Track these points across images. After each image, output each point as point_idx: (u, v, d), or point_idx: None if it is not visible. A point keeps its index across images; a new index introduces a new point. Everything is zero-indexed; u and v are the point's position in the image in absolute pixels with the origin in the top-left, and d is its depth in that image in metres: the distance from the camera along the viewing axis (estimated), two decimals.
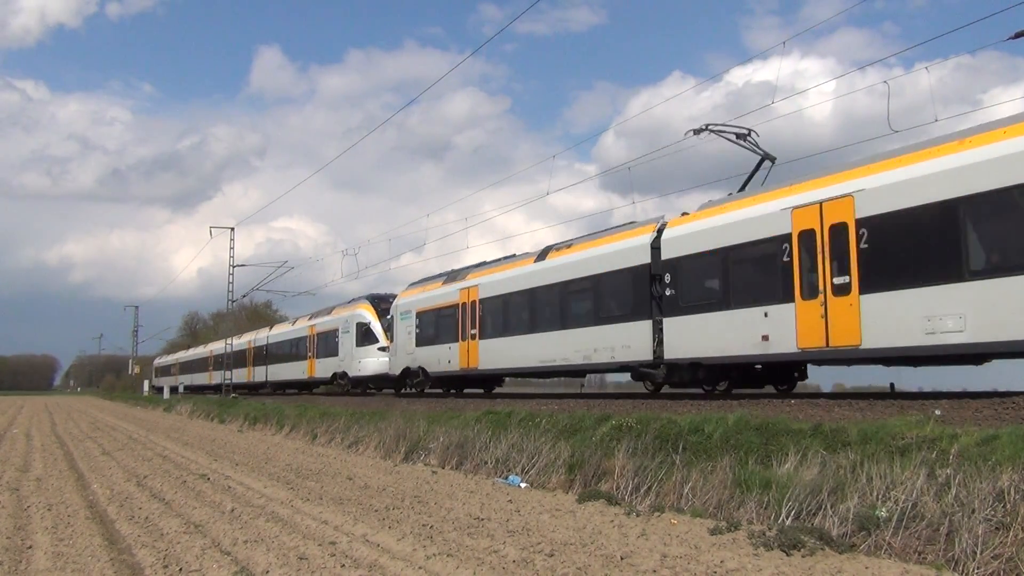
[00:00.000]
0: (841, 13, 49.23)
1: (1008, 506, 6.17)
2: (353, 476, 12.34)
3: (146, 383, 71.66)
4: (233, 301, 45.84)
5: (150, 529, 8.35)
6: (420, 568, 6.47)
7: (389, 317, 27.51)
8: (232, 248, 43.10)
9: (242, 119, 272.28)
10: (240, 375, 46.50)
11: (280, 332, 42.06)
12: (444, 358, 23.33)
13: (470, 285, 22.43)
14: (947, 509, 6.40)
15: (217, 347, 51.07)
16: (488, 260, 23.58)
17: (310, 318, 37.52)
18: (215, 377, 49.98)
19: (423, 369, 24.70)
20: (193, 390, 57.78)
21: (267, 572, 6.42)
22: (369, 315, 30.59)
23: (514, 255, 22.51)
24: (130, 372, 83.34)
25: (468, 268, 23.89)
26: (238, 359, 46.65)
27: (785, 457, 8.50)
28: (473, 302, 22.05)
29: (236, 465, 14.52)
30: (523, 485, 10.73)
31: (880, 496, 6.95)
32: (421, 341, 24.83)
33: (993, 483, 6.42)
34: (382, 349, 29.15)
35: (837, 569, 6.08)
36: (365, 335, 30.39)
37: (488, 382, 24.93)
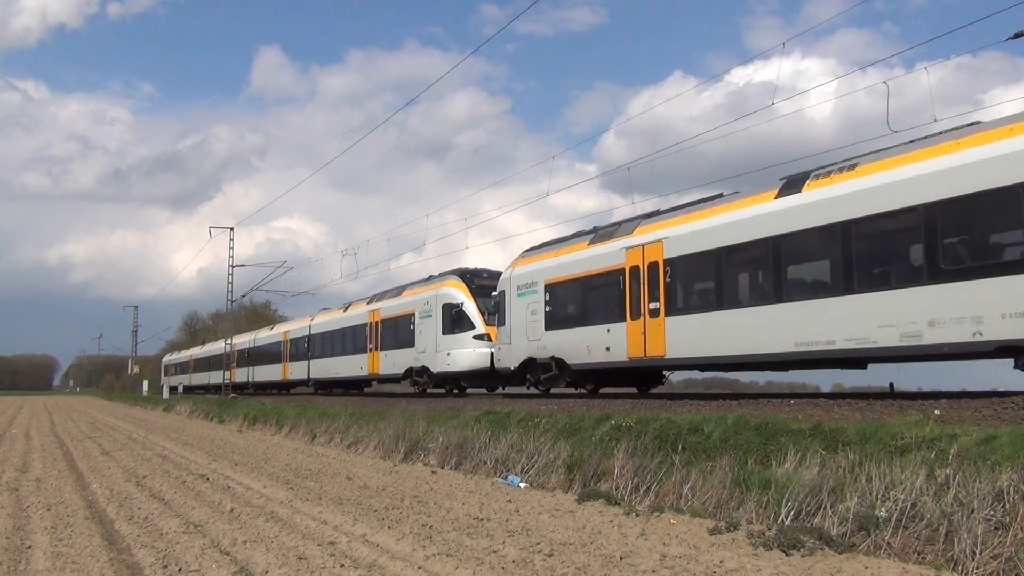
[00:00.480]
0: (842, 13, 49.46)
1: (1007, 506, 6.18)
2: (352, 476, 12.34)
3: (145, 383, 71.52)
4: (232, 301, 45.86)
5: (149, 529, 8.35)
6: (419, 568, 6.47)
7: (495, 294, 21.64)
8: (232, 248, 43.21)
9: (243, 119, 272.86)
10: (273, 373, 41.38)
11: (328, 320, 34.88)
12: (597, 344, 17.27)
13: (647, 241, 16.18)
14: (946, 509, 6.40)
15: (242, 340, 46.87)
16: (664, 209, 17.45)
17: (369, 302, 30.91)
18: (239, 375, 45.75)
19: (557, 360, 18.72)
20: (210, 390, 52.97)
21: (266, 572, 6.42)
22: (461, 294, 24.18)
23: (720, 195, 15.91)
24: (129, 372, 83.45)
25: (633, 220, 17.58)
26: (270, 355, 41.90)
27: (784, 457, 8.51)
28: (653, 264, 15.90)
29: (235, 465, 14.52)
30: (523, 485, 10.73)
31: (879, 496, 6.96)
32: (554, 322, 18.82)
33: (992, 483, 6.43)
34: (479, 337, 23.47)
35: (836, 569, 6.09)
36: (456, 320, 24.01)
37: (647, 379, 19.38)
